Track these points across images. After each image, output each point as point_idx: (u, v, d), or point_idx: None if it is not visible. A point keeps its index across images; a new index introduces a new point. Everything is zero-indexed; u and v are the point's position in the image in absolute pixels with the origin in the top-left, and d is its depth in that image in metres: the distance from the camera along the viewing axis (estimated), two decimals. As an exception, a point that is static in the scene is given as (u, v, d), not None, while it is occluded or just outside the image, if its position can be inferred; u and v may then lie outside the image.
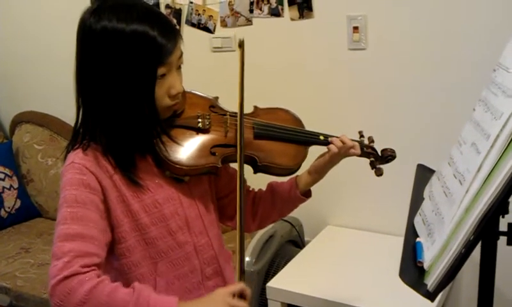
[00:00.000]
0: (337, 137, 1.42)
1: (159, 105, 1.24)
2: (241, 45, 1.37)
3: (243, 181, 1.32)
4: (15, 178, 3.18)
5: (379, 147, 1.50)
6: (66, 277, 1.08)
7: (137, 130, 1.24)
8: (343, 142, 1.40)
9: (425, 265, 1.05)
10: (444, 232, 1.03)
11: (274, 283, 2.10)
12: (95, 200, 1.20)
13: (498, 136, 0.98)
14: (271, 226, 2.30)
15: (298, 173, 1.46)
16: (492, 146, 0.99)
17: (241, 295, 1.22)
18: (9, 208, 3.12)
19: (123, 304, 1.10)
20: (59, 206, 1.18)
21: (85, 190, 1.19)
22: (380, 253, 2.24)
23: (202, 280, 1.36)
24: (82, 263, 1.10)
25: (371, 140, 1.50)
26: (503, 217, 1.00)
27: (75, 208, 1.16)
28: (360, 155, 1.44)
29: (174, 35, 1.22)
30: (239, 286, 1.23)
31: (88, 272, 1.10)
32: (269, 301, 2.10)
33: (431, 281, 1.01)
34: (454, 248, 0.98)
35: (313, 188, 1.48)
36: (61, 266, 1.09)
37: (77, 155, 1.23)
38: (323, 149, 1.44)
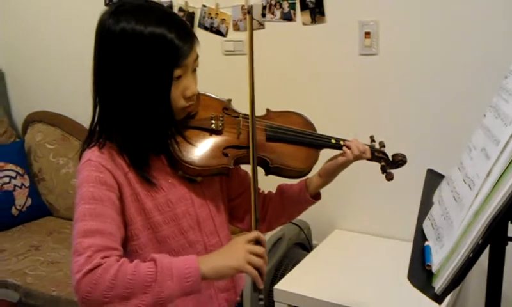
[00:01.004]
0: (348, 140, 1.44)
1: (174, 106, 1.26)
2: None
3: (256, 179, 1.34)
4: (26, 176, 3.21)
5: (388, 152, 1.51)
6: (90, 270, 1.10)
7: (152, 129, 1.26)
8: (355, 146, 1.41)
9: (434, 269, 1.06)
10: (453, 236, 1.04)
11: (281, 286, 2.10)
12: (112, 197, 1.21)
13: (508, 142, 0.99)
14: (279, 228, 2.32)
15: (309, 175, 1.48)
16: (502, 152, 0.99)
17: (257, 242, 1.25)
18: (20, 206, 3.14)
19: (148, 278, 1.12)
20: (76, 204, 1.20)
21: (102, 187, 1.20)
22: (388, 258, 2.25)
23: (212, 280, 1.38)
24: (103, 255, 1.12)
25: (382, 144, 1.50)
26: (512, 222, 1.01)
27: (92, 205, 1.18)
28: (371, 160, 1.46)
29: (190, 38, 1.24)
30: (254, 233, 1.26)
31: (107, 261, 1.12)
32: (276, 303, 2.11)
33: (438, 284, 1.02)
34: (462, 252, 0.98)
35: (321, 192, 1.49)
36: (83, 261, 1.11)
37: (93, 153, 1.24)
38: (333, 152, 1.45)
